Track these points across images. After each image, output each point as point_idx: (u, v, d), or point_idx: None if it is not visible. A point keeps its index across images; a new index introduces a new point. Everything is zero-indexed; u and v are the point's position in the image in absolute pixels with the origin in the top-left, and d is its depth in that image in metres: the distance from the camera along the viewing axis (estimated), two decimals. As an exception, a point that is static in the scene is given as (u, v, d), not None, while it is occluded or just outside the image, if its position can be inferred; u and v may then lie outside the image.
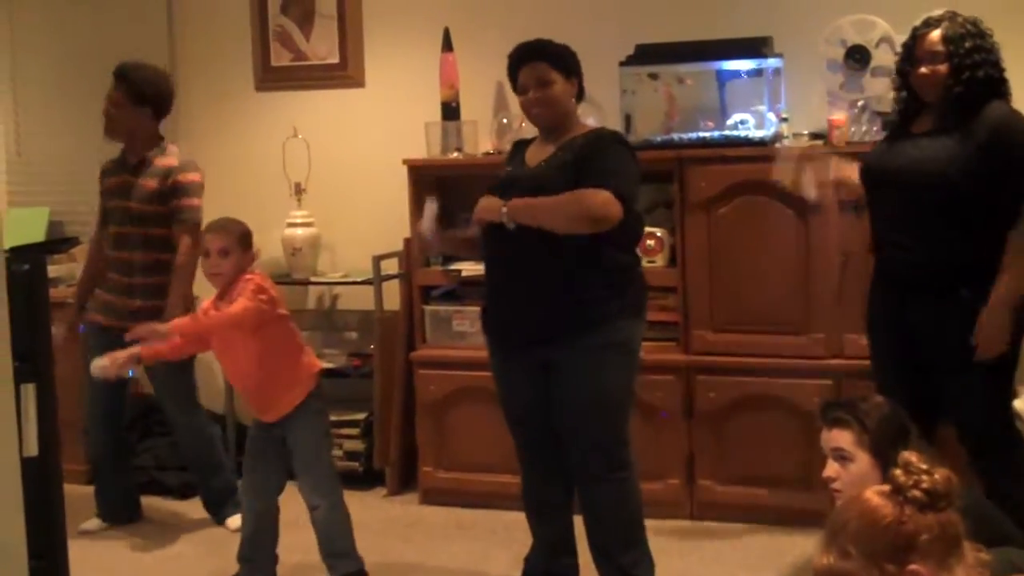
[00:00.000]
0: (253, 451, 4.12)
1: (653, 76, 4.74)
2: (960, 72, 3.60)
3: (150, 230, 4.66)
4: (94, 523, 4.91)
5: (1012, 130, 3.59)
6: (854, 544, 2.03)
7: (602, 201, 3.54)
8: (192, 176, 4.67)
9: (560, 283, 3.65)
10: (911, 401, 3.35)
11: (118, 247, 4.70)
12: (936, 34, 3.64)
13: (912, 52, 3.71)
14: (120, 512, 4.97)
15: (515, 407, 3.89)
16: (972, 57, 3.61)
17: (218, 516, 4.89)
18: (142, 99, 4.68)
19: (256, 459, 4.10)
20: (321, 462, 4.09)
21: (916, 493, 2.03)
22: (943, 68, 3.62)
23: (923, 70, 3.65)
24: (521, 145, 3.96)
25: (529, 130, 4.16)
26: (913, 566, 2.00)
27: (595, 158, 3.64)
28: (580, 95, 3.84)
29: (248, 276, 4.00)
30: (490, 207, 3.70)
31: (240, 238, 4.01)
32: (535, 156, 3.82)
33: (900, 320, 3.74)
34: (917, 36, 3.70)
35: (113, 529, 4.89)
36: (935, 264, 3.63)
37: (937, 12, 3.71)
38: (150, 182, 4.64)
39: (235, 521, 4.75)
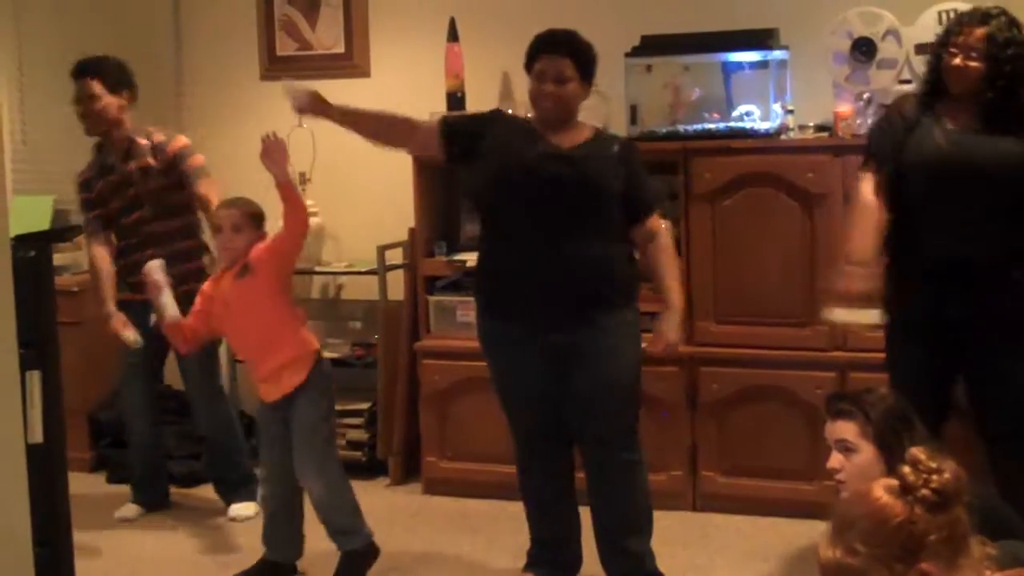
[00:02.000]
0: (265, 436, 4.14)
1: (650, 67, 4.74)
2: (996, 78, 3.53)
3: (166, 201, 4.74)
4: (132, 509, 4.93)
5: None
6: (862, 542, 2.02)
7: (669, 231, 3.94)
8: (181, 142, 4.77)
9: (593, 266, 3.69)
10: (925, 400, 3.34)
11: (140, 230, 4.75)
12: (982, 31, 3.54)
13: (950, 39, 3.61)
14: (160, 498, 5.01)
15: (521, 396, 3.89)
16: (1011, 65, 3.53)
17: (226, 497, 4.89)
18: (119, 86, 4.75)
19: (268, 444, 4.13)
20: (314, 442, 4.06)
21: (926, 493, 2.01)
22: (975, 65, 3.54)
23: (956, 62, 3.56)
24: (523, 125, 3.89)
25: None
26: (923, 565, 1.99)
27: (639, 176, 3.81)
28: (586, 95, 3.86)
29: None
30: (673, 338, 3.82)
31: (252, 216, 4.07)
32: (563, 140, 3.77)
33: (939, 318, 3.66)
34: (963, 24, 3.60)
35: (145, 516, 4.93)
36: (991, 256, 3.59)
37: (988, 7, 3.63)
38: (146, 161, 4.71)
39: (237, 509, 4.76)
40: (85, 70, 4.72)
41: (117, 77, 4.75)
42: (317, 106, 3.90)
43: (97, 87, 4.70)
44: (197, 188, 4.70)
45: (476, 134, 3.84)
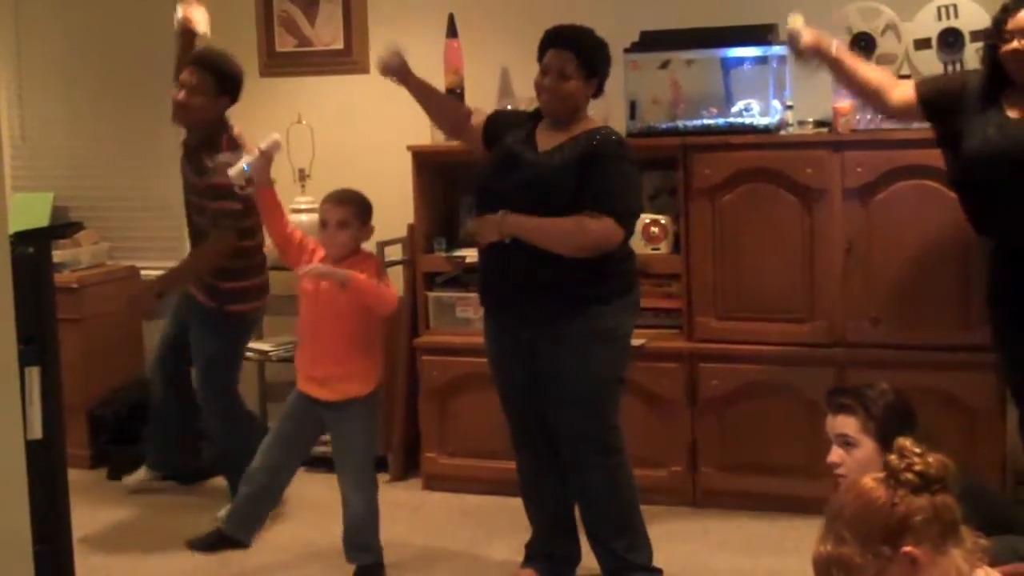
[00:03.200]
0: (284, 426, 4.13)
1: (664, 64, 4.73)
2: None
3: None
4: (141, 473, 4.98)
5: None
6: (849, 529, 2.05)
7: (603, 231, 3.64)
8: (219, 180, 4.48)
9: (547, 267, 3.67)
10: None
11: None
12: None
13: (1001, 27, 3.59)
14: (171, 461, 5.00)
15: (505, 385, 3.93)
16: None
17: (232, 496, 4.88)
18: (223, 88, 4.63)
19: (282, 435, 4.14)
20: (367, 461, 4.15)
21: (908, 475, 2.05)
22: None
23: (1013, 46, 3.54)
24: (529, 123, 3.91)
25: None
26: (907, 548, 2.00)
27: (598, 175, 3.66)
28: (597, 93, 3.85)
29: (375, 260, 4.13)
30: (488, 224, 3.73)
31: (360, 211, 4.03)
32: (541, 143, 3.82)
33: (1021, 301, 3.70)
34: (1009, 11, 3.59)
35: (156, 484, 4.98)
36: None
37: None
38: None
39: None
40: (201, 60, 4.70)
41: (223, 78, 4.69)
42: (401, 72, 3.99)
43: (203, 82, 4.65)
44: None
45: (502, 132, 3.90)
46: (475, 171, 3.97)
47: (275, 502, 4.19)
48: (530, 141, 3.82)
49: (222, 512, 4.61)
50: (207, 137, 4.60)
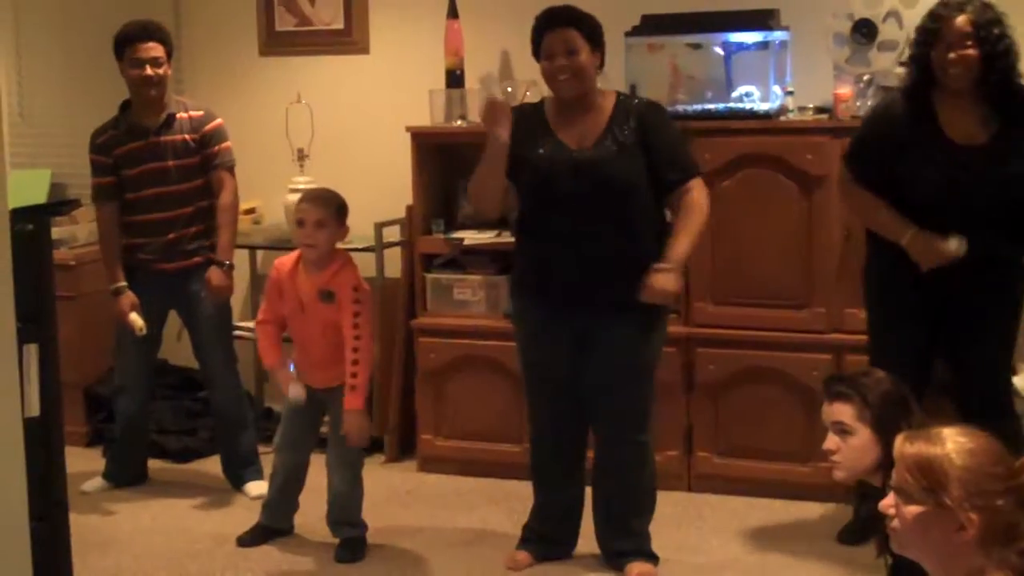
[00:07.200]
0: (294, 414, 4.20)
1: (658, 47, 4.72)
2: (993, 60, 3.58)
3: (193, 182, 4.69)
4: (97, 483, 4.91)
5: None
6: (957, 464, 2.10)
7: (705, 193, 3.80)
8: (219, 122, 4.75)
9: (618, 263, 3.72)
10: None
11: (159, 208, 4.68)
12: (963, 18, 3.58)
13: (935, 36, 3.63)
14: (127, 475, 4.96)
15: (550, 368, 3.90)
16: (1002, 43, 3.58)
17: (237, 481, 4.86)
18: (171, 55, 4.75)
19: (295, 416, 4.20)
20: None
21: None
22: (973, 52, 3.57)
23: (952, 55, 3.59)
24: (535, 116, 3.86)
25: (533, 98, 4.16)
26: (972, 514, 2.08)
27: (664, 143, 3.76)
28: (601, 66, 3.84)
29: (352, 268, 4.09)
30: (672, 281, 3.73)
31: (337, 210, 4.06)
32: (573, 135, 3.78)
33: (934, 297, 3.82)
34: (942, 19, 3.63)
35: (115, 490, 4.89)
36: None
37: None
38: (182, 136, 4.68)
39: (255, 487, 4.77)
40: (154, 33, 4.66)
41: (172, 44, 4.75)
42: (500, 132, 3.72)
43: (162, 51, 4.66)
44: (218, 172, 4.68)
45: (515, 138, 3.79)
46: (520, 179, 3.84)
47: (301, 484, 4.26)
48: (556, 144, 3.78)
49: (261, 488, 4.62)
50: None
